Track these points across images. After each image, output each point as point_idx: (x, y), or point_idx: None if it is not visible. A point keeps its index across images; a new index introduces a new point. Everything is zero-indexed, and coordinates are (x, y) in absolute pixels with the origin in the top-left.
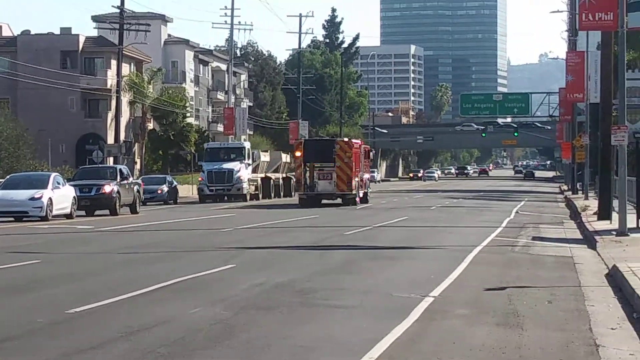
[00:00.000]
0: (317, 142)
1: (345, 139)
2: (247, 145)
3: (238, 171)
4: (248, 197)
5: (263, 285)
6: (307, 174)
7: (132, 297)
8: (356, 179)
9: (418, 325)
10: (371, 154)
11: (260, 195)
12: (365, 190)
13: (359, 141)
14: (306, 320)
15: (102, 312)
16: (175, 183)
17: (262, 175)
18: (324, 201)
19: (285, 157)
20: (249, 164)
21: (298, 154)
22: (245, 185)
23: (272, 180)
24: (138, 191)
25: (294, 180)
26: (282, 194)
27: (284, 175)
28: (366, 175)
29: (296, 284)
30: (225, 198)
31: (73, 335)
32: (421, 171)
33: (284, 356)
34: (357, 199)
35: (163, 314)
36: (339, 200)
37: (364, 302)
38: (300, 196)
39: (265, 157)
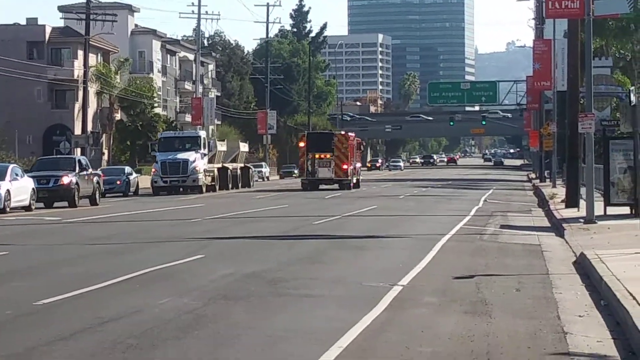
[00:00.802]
0: (319, 134)
1: (343, 132)
2: (203, 134)
3: (193, 161)
4: (204, 189)
5: (232, 275)
6: (309, 162)
7: (101, 288)
8: (351, 167)
9: (387, 314)
10: (362, 145)
11: (217, 187)
12: (358, 177)
13: (353, 134)
14: (276, 310)
15: (71, 303)
16: (134, 175)
17: (219, 165)
18: (322, 186)
19: (244, 147)
20: (204, 154)
21: (302, 144)
22: (201, 176)
23: (229, 171)
24: (98, 182)
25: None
26: (240, 184)
27: (242, 165)
28: (358, 164)
29: (265, 273)
30: (181, 190)
31: (41, 326)
32: (379, 160)
33: (254, 346)
34: (351, 185)
35: (132, 304)
36: (335, 186)
37: (333, 291)
38: (303, 181)
39: (222, 146)
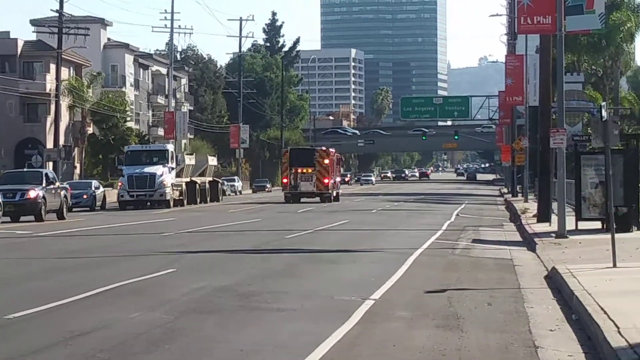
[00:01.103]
0: (301, 150)
1: (324, 148)
2: (171, 147)
3: (161, 175)
4: (171, 203)
5: (204, 289)
6: (292, 176)
7: (73, 301)
8: (331, 181)
9: (359, 328)
10: (341, 161)
11: (185, 201)
12: (338, 191)
13: (333, 150)
14: (247, 323)
15: (42, 317)
16: (101, 189)
17: (187, 179)
18: (303, 199)
19: (212, 160)
20: (172, 168)
21: (285, 160)
22: (168, 190)
23: (197, 185)
24: (65, 196)
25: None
26: (208, 198)
27: (211, 179)
28: (338, 179)
29: (237, 287)
30: (148, 204)
31: (13, 340)
32: (348, 175)
33: None
34: (332, 197)
35: (103, 318)
36: (316, 199)
37: (305, 305)
38: (286, 194)
39: (190, 160)
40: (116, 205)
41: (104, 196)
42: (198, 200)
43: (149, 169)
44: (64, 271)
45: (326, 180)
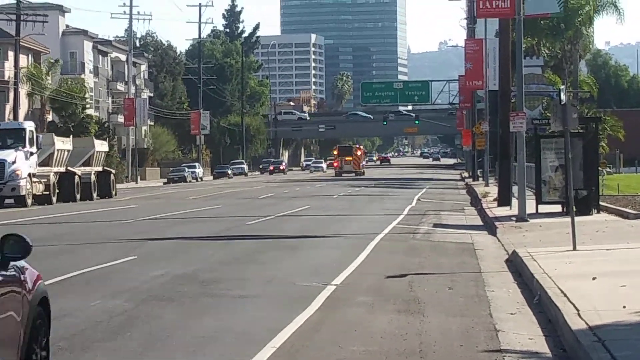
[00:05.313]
0: (345, 147)
1: (357, 146)
2: (30, 126)
3: (13, 162)
4: (29, 200)
5: (165, 276)
6: (340, 162)
7: None
8: (361, 164)
9: (320, 313)
10: (365, 152)
11: (54, 198)
12: (364, 170)
13: (362, 146)
14: (208, 310)
15: None
16: None
17: (62, 169)
18: (344, 175)
19: (101, 145)
20: (31, 153)
21: (335, 152)
22: (23, 183)
23: (77, 177)
24: None
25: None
26: (95, 194)
27: (100, 168)
28: (364, 162)
29: (198, 274)
30: (5, 201)
31: None
32: (283, 163)
33: (185, 347)
34: (361, 173)
35: (63, 307)
36: (353, 175)
37: (266, 291)
38: (336, 172)
39: (63, 144)
40: None
41: None
42: (78, 196)
43: None
44: None
45: (359, 164)
